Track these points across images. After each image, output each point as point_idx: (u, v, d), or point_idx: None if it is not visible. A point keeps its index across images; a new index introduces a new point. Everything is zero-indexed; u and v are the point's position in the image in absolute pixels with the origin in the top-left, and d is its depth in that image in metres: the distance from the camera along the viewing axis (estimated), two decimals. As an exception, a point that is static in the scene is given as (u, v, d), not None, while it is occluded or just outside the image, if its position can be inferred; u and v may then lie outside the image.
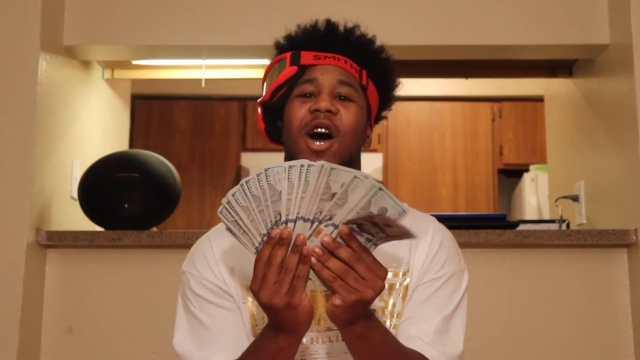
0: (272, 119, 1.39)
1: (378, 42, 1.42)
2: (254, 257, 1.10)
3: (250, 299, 1.29)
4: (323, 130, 1.30)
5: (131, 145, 3.56)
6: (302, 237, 0.98)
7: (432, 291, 1.30)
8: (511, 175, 5.00)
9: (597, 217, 2.52)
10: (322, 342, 1.27)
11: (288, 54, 1.35)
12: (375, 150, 4.86)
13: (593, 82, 2.60)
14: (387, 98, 1.44)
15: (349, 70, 1.34)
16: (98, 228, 2.40)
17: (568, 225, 2.57)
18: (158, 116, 5.00)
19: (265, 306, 1.03)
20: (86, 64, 2.66)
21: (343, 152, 1.31)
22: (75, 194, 2.44)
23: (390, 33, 2.46)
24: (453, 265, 1.33)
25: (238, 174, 4.86)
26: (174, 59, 2.77)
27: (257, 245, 1.01)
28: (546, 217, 4.10)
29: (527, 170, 4.69)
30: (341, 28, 1.40)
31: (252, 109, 4.96)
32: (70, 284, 2.28)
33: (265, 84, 1.39)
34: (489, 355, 2.23)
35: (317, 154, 1.30)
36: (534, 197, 4.54)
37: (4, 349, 2.08)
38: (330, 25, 1.40)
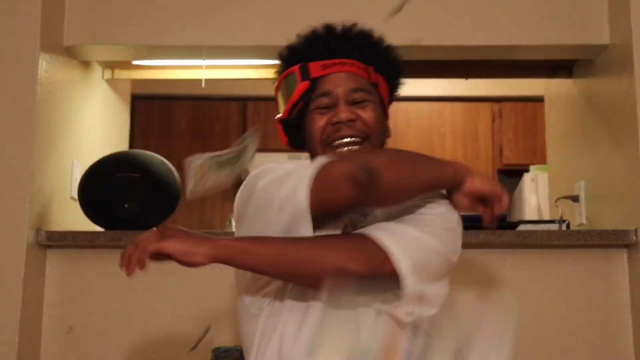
0: (293, 132, 1.46)
1: (377, 35, 1.48)
2: None
3: None
4: (349, 139, 1.37)
5: (131, 146, 3.56)
6: None
7: None
8: (511, 175, 4.98)
9: (597, 217, 2.51)
10: None
11: (296, 68, 1.39)
12: (375, 151, 4.85)
13: (593, 83, 2.60)
14: (395, 86, 1.52)
15: (357, 73, 1.40)
16: (98, 228, 2.39)
17: (568, 226, 2.57)
18: (158, 116, 4.99)
19: None
20: (86, 64, 2.66)
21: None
22: (75, 194, 2.44)
23: (390, 33, 2.47)
24: None
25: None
26: (174, 59, 2.77)
27: None
28: (546, 217, 4.09)
29: (527, 171, 4.68)
30: (339, 29, 1.44)
31: (252, 110, 4.94)
32: (70, 284, 2.28)
33: (279, 99, 1.45)
34: (489, 355, 2.23)
35: None
36: (534, 197, 4.53)
37: (4, 349, 2.08)
38: (329, 29, 1.44)
